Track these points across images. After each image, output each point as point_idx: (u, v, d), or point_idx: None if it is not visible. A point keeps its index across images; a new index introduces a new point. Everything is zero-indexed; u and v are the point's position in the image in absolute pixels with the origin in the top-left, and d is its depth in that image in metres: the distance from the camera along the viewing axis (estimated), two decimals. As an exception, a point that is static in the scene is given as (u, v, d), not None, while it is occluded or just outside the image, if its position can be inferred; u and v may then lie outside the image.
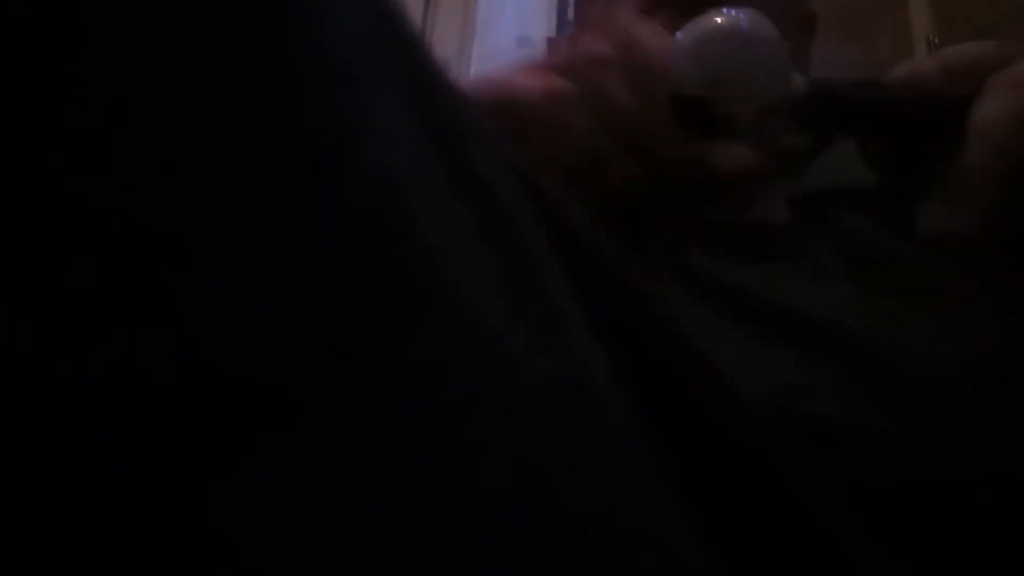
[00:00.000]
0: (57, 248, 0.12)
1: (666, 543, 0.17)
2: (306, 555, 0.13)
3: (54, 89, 0.13)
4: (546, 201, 0.20)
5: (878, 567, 0.23)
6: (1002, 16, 1.87)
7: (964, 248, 0.30)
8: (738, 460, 0.22)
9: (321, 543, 0.13)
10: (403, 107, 0.17)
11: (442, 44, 2.14)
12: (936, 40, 1.93)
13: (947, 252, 0.32)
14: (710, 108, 0.31)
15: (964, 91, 0.31)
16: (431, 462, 0.14)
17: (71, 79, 0.13)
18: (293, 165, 0.14)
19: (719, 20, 0.32)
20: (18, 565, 0.12)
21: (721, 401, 0.22)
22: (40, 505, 0.12)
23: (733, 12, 0.32)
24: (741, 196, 0.33)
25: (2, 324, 0.12)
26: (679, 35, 0.32)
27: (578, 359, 0.17)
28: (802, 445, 0.25)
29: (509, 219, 0.17)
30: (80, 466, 0.12)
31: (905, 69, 0.32)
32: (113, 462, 0.12)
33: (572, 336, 0.17)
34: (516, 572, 0.14)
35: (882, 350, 0.37)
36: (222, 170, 0.14)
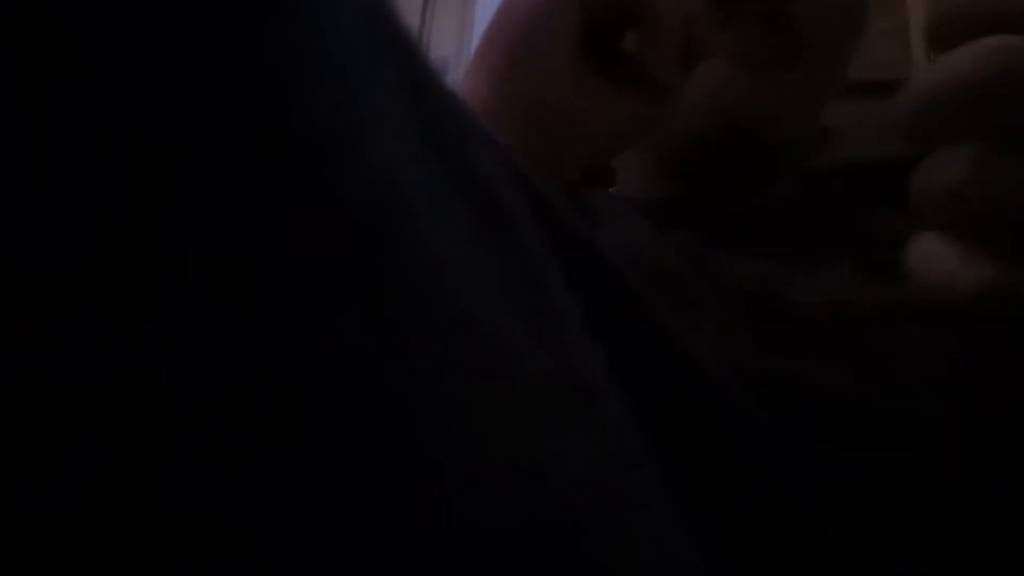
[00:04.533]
0: (54, 247, 0.12)
1: (665, 544, 0.17)
2: (305, 555, 0.13)
3: (51, 88, 0.13)
4: (546, 201, 0.20)
5: (877, 567, 0.23)
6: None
7: None
8: (737, 460, 0.22)
9: (321, 543, 0.13)
10: (402, 107, 0.17)
11: (440, 44, 2.14)
12: (934, 40, 1.93)
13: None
14: None
15: None
16: (430, 462, 0.14)
17: (69, 78, 0.13)
18: (292, 165, 0.14)
19: None
20: (18, 565, 0.12)
21: (719, 401, 0.22)
22: (39, 505, 0.12)
23: None
24: None
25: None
26: None
27: (576, 359, 0.17)
28: (801, 440, 0.25)
29: (509, 219, 0.18)
30: (80, 466, 0.12)
31: None
32: (113, 462, 0.12)
33: (570, 336, 0.17)
34: (514, 573, 0.14)
35: (881, 336, 0.36)
36: (221, 170, 0.14)
